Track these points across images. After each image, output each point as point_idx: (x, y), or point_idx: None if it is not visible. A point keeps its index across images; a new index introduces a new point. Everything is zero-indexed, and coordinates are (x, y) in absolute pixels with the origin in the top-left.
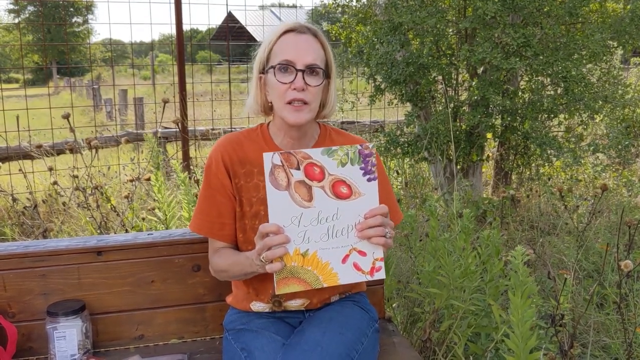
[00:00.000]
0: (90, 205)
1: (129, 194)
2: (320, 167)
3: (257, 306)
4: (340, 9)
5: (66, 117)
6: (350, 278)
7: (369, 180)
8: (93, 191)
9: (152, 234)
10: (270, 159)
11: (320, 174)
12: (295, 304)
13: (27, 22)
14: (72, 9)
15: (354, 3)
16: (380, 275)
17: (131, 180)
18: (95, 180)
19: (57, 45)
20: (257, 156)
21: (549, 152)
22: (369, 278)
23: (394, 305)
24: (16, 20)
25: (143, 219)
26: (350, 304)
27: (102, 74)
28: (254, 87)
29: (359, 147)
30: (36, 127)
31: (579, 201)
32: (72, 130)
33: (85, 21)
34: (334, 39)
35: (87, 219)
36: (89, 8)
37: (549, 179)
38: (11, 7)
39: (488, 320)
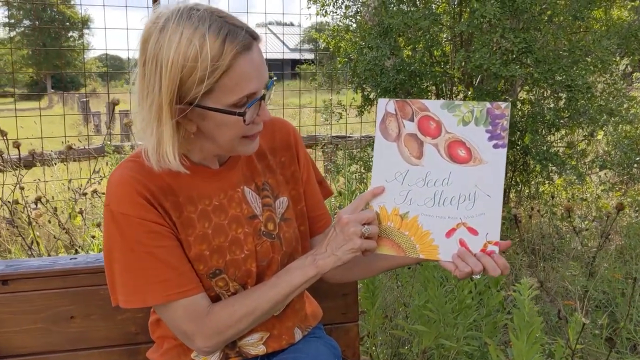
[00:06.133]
0: (14, 222)
1: (81, 209)
2: (437, 122)
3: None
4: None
5: None
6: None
7: (495, 146)
8: (36, 205)
9: (75, 258)
10: (384, 105)
11: (436, 130)
12: (252, 340)
13: (22, 36)
14: (67, 23)
15: (343, 10)
16: None
17: (84, 194)
18: (50, 194)
19: (52, 60)
20: (176, 181)
21: (550, 168)
22: None
23: (377, 341)
24: (12, 34)
25: (93, 237)
26: (314, 342)
27: (96, 88)
28: (167, 129)
29: (489, 105)
30: (25, 142)
31: (585, 222)
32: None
33: (81, 36)
34: (322, 47)
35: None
36: (85, 22)
37: (553, 197)
38: (6, 20)
39: None
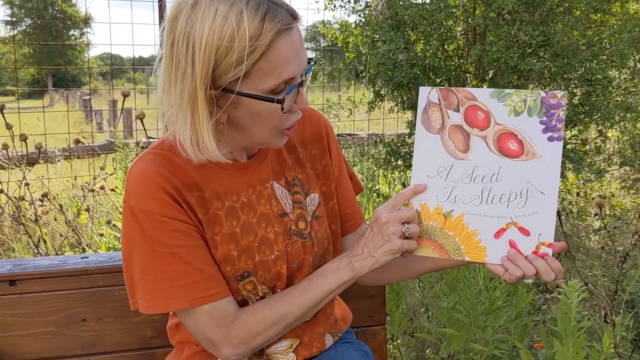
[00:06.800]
0: (20, 219)
1: (89, 206)
2: (485, 112)
3: None
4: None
5: None
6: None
7: (550, 139)
8: (42, 202)
9: (87, 257)
10: (426, 94)
11: (484, 121)
12: (281, 348)
13: (24, 35)
14: (69, 22)
15: (352, 4)
16: None
17: (92, 190)
18: (55, 192)
19: (53, 59)
20: (202, 176)
21: (567, 165)
22: None
23: (400, 344)
24: (13, 32)
25: (101, 235)
26: (346, 348)
27: (98, 87)
28: (204, 117)
29: (543, 93)
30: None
31: (603, 220)
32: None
33: (82, 34)
34: (329, 43)
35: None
36: (86, 22)
37: (578, 195)
38: (8, 19)
39: None
